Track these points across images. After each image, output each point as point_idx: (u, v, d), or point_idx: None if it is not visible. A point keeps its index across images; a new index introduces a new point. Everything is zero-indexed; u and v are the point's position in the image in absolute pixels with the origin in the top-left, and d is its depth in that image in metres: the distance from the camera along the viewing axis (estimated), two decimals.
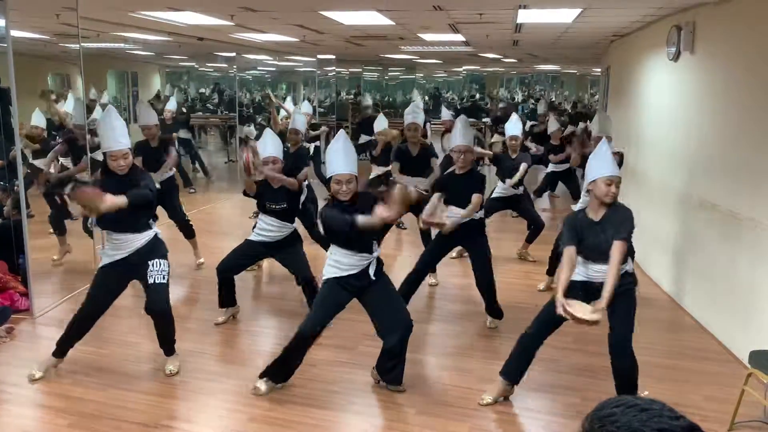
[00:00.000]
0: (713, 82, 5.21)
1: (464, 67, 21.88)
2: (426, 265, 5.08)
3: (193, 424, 3.66)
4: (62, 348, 4.20)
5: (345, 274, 3.76)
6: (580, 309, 3.43)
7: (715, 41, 5.21)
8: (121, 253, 4.03)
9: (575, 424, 0.95)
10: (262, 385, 3.91)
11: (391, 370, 3.89)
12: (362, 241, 3.69)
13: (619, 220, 3.52)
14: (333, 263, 3.79)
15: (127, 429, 3.54)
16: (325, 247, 3.88)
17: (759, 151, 4.31)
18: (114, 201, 3.72)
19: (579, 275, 3.66)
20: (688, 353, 4.62)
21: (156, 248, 4.13)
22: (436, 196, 4.79)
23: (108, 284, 4.12)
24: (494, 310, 5.00)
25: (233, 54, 13.31)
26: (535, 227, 6.74)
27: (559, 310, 3.45)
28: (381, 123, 7.84)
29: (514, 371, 3.83)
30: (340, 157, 3.68)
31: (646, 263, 6.66)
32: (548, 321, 3.72)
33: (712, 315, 5.01)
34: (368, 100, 12.45)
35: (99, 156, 5.15)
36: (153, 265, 4.05)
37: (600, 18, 6.93)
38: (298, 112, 6.52)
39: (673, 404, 0.96)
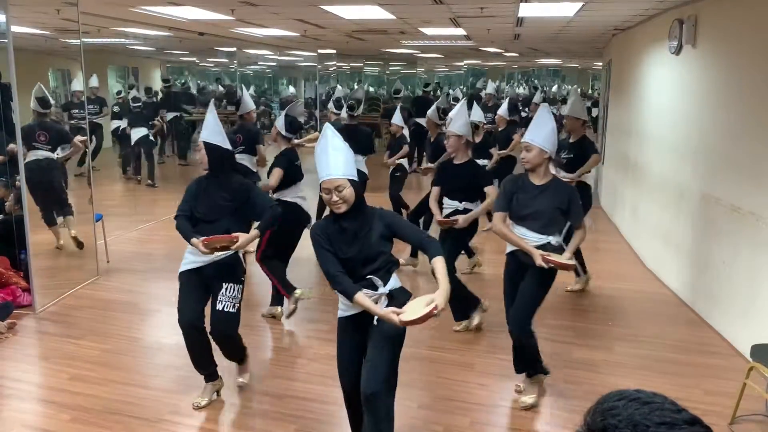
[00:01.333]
0: (715, 76, 5.19)
1: (465, 62, 21.84)
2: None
3: (195, 418, 3.66)
4: (207, 370, 3.81)
5: (349, 313, 2.99)
6: (556, 256, 3.51)
7: (717, 35, 5.19)
8: (198, 262, 3.65)
9: (577, 418, 0.95)
10: None
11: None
12: (356, 275, 2.88)
13: (566, 199, 3.59)
14: (341, 297, 2.99)
15: (130, 423, 3.55)
16: None
17: (761, 145, 4.30)
18: (247, 238, 3.57)
19: (508, 246, 3.74)
20: (690, 347, 4.62)
21: (234, 267, 3.69)
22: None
23: (190, 291, 3.71)
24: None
25: (234, 49, 13.31)
26: None
27: (539, 262, 3.47)
28: (396, 116, 7.86)
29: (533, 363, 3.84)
30: (324, 158, 2.84)
31: (647, 257, 6.67)
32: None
33: (713, 309, 5.01)
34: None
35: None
36: (226, 289, 3.63)
37: (601, 11, 6.91)
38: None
39: (674, 398, 0.95)
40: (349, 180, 2.82)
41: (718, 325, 4.88)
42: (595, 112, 19.96)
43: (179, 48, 14.32)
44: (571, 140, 5.75)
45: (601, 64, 14.93)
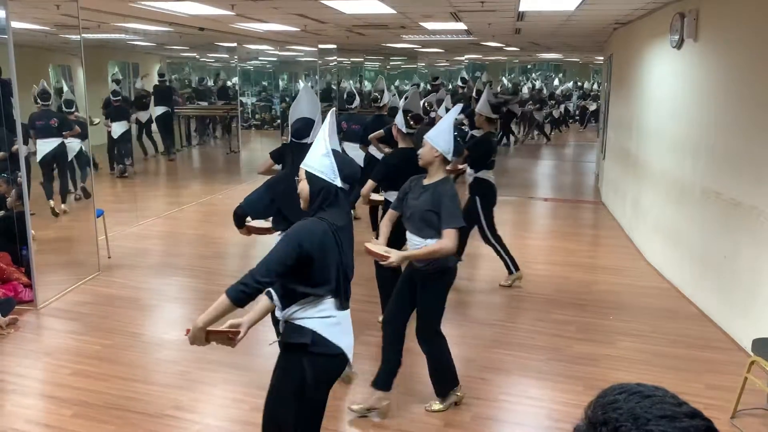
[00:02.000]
0: (716, 70, 5.18)
1: (466, 57, 21.79)
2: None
3: (197, 413, 3.67)
4: None
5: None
6: (376, 246, 3.48)
7: (718, 29, 5.18)
8: None
9: (578, 412, 0.94)
10: None
11: None
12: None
13: (438, 201, 3.43)
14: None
15: (131, 419, 3.56)
16: None
17: (762, 139, 4.30)
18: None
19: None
20: (691, 342, 4.63)
21: None
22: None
23: None
24: None
25: (234, 44, 13.30)
26: None
27: (365, 250, 3.46)
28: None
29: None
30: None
31: (648, 252, 6.67)
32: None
33: (714, 303, 5.01)
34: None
35: None
36: None
37: (603, 5, 6.90)
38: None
39: (675, 392, 0.95)
40: (307, 172, 2.48)
41: (719, 320, 4.89)
42: (593, 106, 19.91)
43: (179, 43, 14.32)
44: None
45: (602, 58, 14.90)
